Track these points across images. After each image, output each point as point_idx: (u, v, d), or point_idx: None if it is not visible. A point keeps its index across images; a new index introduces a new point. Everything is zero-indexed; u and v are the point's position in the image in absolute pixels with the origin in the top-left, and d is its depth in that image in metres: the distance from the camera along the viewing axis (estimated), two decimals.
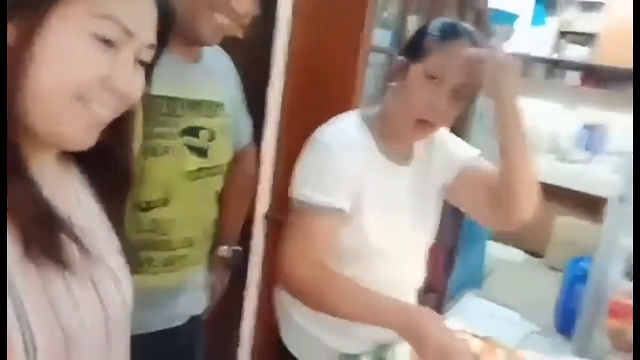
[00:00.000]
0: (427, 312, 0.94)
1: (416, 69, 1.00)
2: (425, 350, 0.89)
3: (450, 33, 1.00)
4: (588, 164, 4.05)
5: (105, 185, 0.65)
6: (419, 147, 1.12)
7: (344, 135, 1.03)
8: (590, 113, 4.21)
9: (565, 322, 2.46)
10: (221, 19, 0.96)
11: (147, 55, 0.58)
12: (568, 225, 3.90)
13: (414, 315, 0.92)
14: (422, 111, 1.00)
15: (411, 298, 1.18)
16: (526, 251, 4.20)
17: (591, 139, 4.20)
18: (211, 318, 1.30)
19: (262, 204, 1.60)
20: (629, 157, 3.62)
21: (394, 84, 1.05)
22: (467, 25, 1.04)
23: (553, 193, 3.77)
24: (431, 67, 0.98)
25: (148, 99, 0.69)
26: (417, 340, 0.90)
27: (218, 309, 1.34)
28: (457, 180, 1.13)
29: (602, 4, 3.96)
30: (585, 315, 2.03)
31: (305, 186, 0.99)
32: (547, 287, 3.28)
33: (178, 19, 0.64)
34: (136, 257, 0.89)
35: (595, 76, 4.11)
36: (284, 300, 1.15)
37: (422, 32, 1.03)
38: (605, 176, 3.78)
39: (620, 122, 3.96)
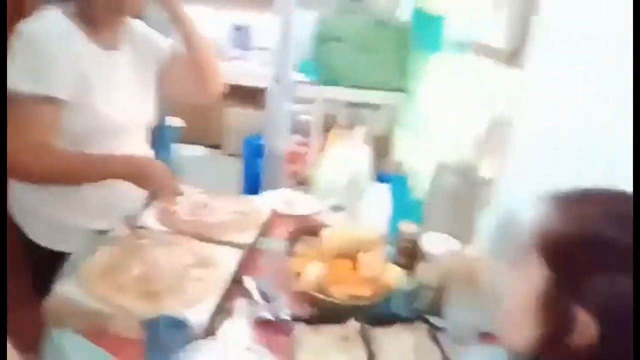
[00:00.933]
0: (149, 158, 1.23)
1: None
2: (150, 186, 1.18)
3: None
4: (241, 60, 4.67)
5: None
6: (123, 35, 1.26)
7: (51, 26, 1.09)
8: (236, 15, 4.76)
9: (252, 186, 3.04)
10: None
11: None
12: (236, 115, 4.51)
13: (138, 161, 1.18)
14: (120, 4, 1.15)
15: None
16: (206, 146, 4.71)
17: (239, 38, 4.81)
18: None
19: None
20: (272, 51, 4.31)
21: None
22: None
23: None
24: None
25: None
26: (144, 180, 1.16)
27: None
28: (166, 65, 1.36)
29: None
30: (267, 176, 2.59)
31: (20, 78, 1.04)
32: (229, 169, 3.85)
33: None
34: None
35: None
36: (22, 199, 1.19)
37: None
38: (256, 69, 4.51)
39: (261, 21, 4.65)
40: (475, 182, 1.27)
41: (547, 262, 0.50)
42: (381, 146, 2.15)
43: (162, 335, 0.84)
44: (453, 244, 1.18)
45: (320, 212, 1.51)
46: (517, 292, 0.55)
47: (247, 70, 4.50)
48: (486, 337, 1.02)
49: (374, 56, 2.12)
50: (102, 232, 1.20)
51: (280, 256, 1.26)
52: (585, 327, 0.47)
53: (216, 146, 4.61)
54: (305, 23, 2.57)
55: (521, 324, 0.54)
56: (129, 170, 1.15)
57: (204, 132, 4.43)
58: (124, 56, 1.24)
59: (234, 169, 3.84)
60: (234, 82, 4.33)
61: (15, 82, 1.04)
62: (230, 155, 4.49)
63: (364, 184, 1.92)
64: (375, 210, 1.30)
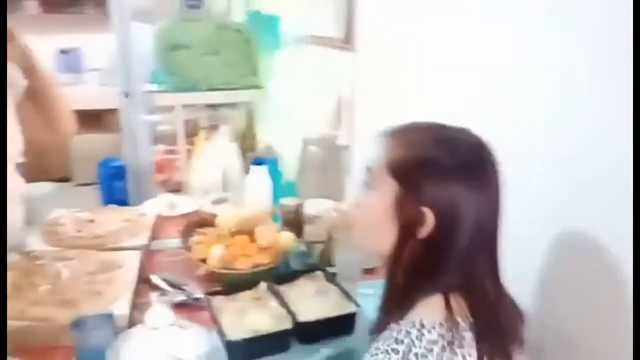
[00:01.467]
0: None
1: None
2: None
3: None
4: (77, 85, 4.42)
5: None
6: None
7: None
8: (61, 38, 4.47)
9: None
10: None
11: None
12: (82, 142, 4.26)
13: None
14: None
15: None
16: (54, 180, 4.37)
17: (69, 62, 4.54)
18: None
19: None
20: (107, 70, 4.13)
21: None
22: None
23: None
24: None
25: None
26: None
27: None
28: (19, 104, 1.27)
29: None
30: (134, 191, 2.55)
31: None
32: (84, 199, 3.65)
33: None
34: None
35: (53, 2, 4.33)
36: None
37: None
38: (95, 90, 4.30)
39: (90, 41, 4.44)
40: (336, 149, 1.48)
41: (395, 178, 0.68)
42: (245, 140, 2.29)
43: (90, 333, 0.88)
44: (329, 204, 1.37)
45: (203, 207, 1.60)
46: (375, 208, 0.71)
47: (84, 94, 4.28)
48: (369, 272, 1.23)
49: (222, 58, 2.24)
50: None
51: (177, 251, 1.34)
52: (428, 219, 0.67)
53: (65, 179, 4.31)
54: (141, 36, 2.59)
55: (383, 231, 0.70)
56: None
57: (48, 167, 4.10)
58: None
59: (90, 197, 3.66)
60: (75, 107, 4.12)
61: None
62: (81, 185, 4.24)
63: (237, 176, 2.04)
64: (257, 192, 1.43)
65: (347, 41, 1.79)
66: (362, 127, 1.58)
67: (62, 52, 4.43)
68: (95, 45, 4.55)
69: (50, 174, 4.34)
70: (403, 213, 0.68)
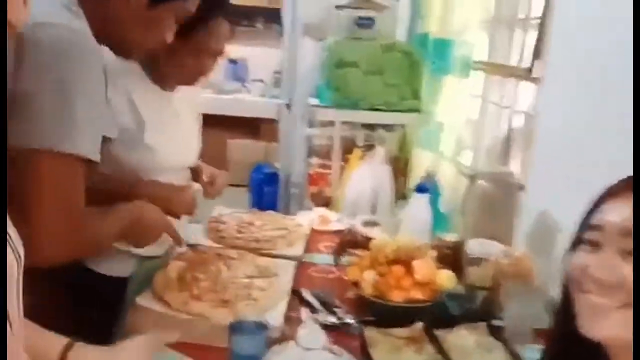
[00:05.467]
0: (142, 203, 1.05)
1: (182, 42, 1.06)
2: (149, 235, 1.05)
3: (214, 8, 1.10)
4: (241, 93, 4.77)
5: None
6: None
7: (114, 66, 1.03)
8: (231, 48, 4.88)
9: None
10: None
11: None
12: (240, 147, 4.58)
13: (134, 211, 1.01)
14: (193, 75, 1.17)
15: None
16: None
17: (236, 71, 4.93)
18: None
19: None
20: (270, 82, 4.41)
21: None
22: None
23: (219, 122, 4.35)
24: (200, 45, 1.11)
25: None
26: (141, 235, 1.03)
27: None
28: None
29: None
30: (283, 199, 2.64)
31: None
32: (235, 199, 3.88)
33: None
34: None
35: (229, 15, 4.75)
36: None
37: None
38: (256, 100, 4.61)
39: (257, 54, 4.78)
40: (510, 188, 1.33)
41: None
42: (398, 164, 2.22)
43: (245, 339, 0.87)
44: (497, 247, 1.24)
45: (355, 227, 1.56)
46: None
47: (247, 102, 4.61)
48: (541, 334, 1.07)
49: (385, 78, 2.21)
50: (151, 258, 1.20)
51: (327, 268, 1.31)
52: None
53: None
54: (309, 51, 2.68)
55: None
56: (129, 223, 0.99)
57: (209, 163, 4.48)
58: (182, 97, 1.25)
59: (240, 199, 3.88)
60: (234, 114, 4.46)
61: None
62: (233, 185, 4.54)
63: (387, 199, 1.98)
64: (416, 220, 1.35)
65: (531, 71, 1.63)
66: (538, 166, 1.41)
67: (231, 61, 4.84)
68: (261, 57, 4.91)
69: None
70: None
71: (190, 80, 1.20)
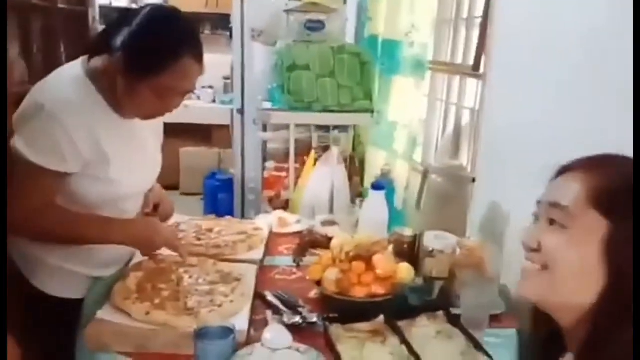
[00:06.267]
0: (154, 224, 1.16)
1: (144, 83, 1.01)
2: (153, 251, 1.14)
3: (175, 50, 1.01)
4: (190, 100, 4.69)
5: None
6: None
7: (69, 97, 1.03)
8: None
9: None
10: None
11: None
12: (193, 155, 4.50)
13: (140, 227, 1.14)
14: (156, 114, 1.11)
15: None
16: (163, 187, 4.64)
17: None
18: None
19: None
20: (220, 88, 4.36)
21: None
22: (195, 35, 1.09)
23: (171, 131, 4.26)
24: (163, 86, 1.02)
25: None
26: (146, 248, 1.14)
27: None
28: None
29: None
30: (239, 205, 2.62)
31: (31, 147, 0.99)
32: (189, 207, 3.81)
33: None
34: None
35: None
36: (27, 251, 1.14)
37: (145, 44, 1.02)
38: (207, 106, 4.56)
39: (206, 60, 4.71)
40: (462, 181, 1.39)
41: (604, 214, 0.56)
42: (352, 164, 2.26)
43: (212, 345, 0.87)
44: (452, 239, 1.28)
45: (314, 227, 1.57)
46: (576, 250, 0.57)
47: (197, 110, 4.54)
48: (496, 319, 1.12)
49: (337, 80, 2.25)
50: (98, 279, 1.18)
51: (289, 270, 1.31)
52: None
53: (173, 187, 4.56)
54: (258, 56, 2.68)
55: (589, 279, 0.57)
56: (134, 238, 1.12)
57: (162, 174, 4.37)
58: (136, 126, 1.17)
59: (195, 206, 3.82)
60: (185, 121, 4.38)
61: (26, 151, 1.00)
62: (184, 194, 4.46)
63: (344, 199, 2.01)
64: (374, 217, 1.38)
65: (475, 68, 1.71)
66: (487, 159, 1.47)
67: None
68: (210, 64, 4.81)
69: (159, 180, 4.65)
70: (619, 255, 0.56)
71: (155, 117, 1.14)
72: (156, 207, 1.28)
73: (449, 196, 1.39)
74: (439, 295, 1.19)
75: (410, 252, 1.34)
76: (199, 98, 4.66)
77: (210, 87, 4.72)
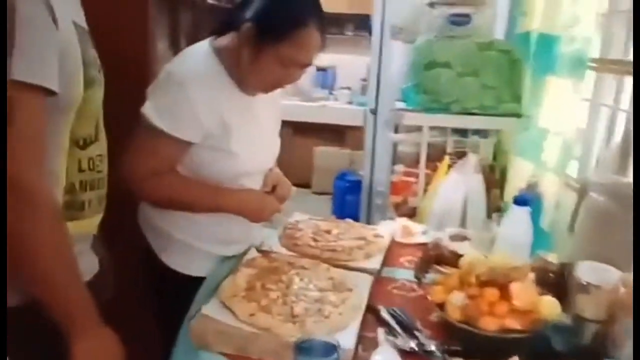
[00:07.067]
0: (262, 195, 1.24)
1: (269, 51, 1.07)
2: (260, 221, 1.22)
3: (303, 18, 1.07)
4: (328, 101, 4.74)
5: None
6: None
7: (198, 70, 1.10)
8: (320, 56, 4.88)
9: None
10: None
11: None
12: (323, 154, 4.55)
13: (250, 196, 1.21)
14: (276, 85, 1.16)
15: None
16: (295, 185, 4.77)
17: (325, 79, 4.92)
18: None
19: None
20: (357, 89, 4.35)
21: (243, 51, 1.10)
22: (320, 7, 1.13)
23: (306, 129, 4.35)
24: (286, 55, 1.07)
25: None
26: (255, 217, 1.20)
27: None
28: None
29: None
30: (368, 210, 2.53)
31: (158, 112, 1.07)
32: (319, 207, 3.83)
33: None
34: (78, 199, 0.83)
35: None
36: (151, 218, 1.21)
37: (280, 11, 1.07)
38: (343, 107, 4.56)
39: (345, 61, 4.73)
40: (627, 201, 1.12)
41: None
42: (492, 174, 2.03)
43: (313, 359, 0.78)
44: (613, 273, 1.04)
45: (442, 241, 1.42)
46: None
47: (333, 110, 4.57)
48: None
49: (481, 80, 2.03)
50: (228, 257, 1.20)
51: (408, 285, 1.18)
52: None
53: (305, 185, 4.65)
54: (397, 54, 2.56)
55: None
56: (244, 207, 1.18)
57: (292, 171, 4.48)
58: (262, 100, 1.23)
59: (324, 206, 3.83)
60: (321, 121, 4.44)
61: (154, 116, 1.07)
62: (316, 193, 4.51)
63: (479, 213, 1.81)
64: (514, 237, 1.19)
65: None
66: None
67: (319, 69, 4.84)
68: (349, 65, 4.85)
69: (291, 178, 4.79)
70: None
71: (275, 88, 1.19)
72: (274, 188, 1.30)
73: (612, 220, 1.13)
74: (591, 341, 0.97)
75: (557, 283, 1.12)
76: (336, 99, 4.69)
77: (348, 88, 4.73)
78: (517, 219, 1.18)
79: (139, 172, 1.09)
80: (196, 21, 1.81)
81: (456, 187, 1.76)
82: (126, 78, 1.41)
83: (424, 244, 1.38)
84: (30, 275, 0.76)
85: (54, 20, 0.74)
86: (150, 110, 1.08)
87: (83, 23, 0.87)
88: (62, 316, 0.77)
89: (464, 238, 1.42)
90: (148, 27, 1.52)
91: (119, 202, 1.06)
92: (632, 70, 1.60)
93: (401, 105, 2.20)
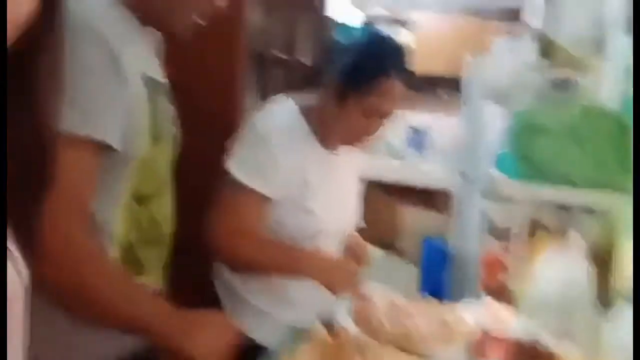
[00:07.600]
0: (344, 262, 1.22)
1: (354, 102, 1.11)
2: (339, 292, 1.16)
3: (385, 68, 1.12)
4: (419, 161, 4.63)
5: None
6: None
7: (282, 125, 1.13)
8: (411, 116, 4.83)
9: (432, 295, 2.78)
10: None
11: None
12: (411, 216, 4.38)
13: (333, 262, 1.18)
14: (359, 136, 1.17)
15: None
16: (378, 245, 4.62)
17: (417, 138, 4.83)
18: None
19: None
20: (450, 151, 4.20)
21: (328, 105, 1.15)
22: (404, 58, 1.18)
23: (393, 189, 4.24)
24: (371, 105, 1.11)
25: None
26: (333, 286, 1.15)
27: None
28: None
29: (408, 21, 4.61)
30: (453, 284, 2.33)
31: (243, 169, 1.09)
32: (404, 274, 3.62)
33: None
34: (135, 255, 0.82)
35: (413, 83, 4.74)
36: (228, 280, 1.21)
37: (364, 62, 1.12)
38: (433, 168, 4.41)
39: (437, 122, 4.64)
40: None
41: None
42: (601, 260, 1.77)
43: None
44: None
45: (540, 339, 1.22)
46: None
47: (423, 171, 4.44)
48: None
49: (587, 150, 1.83)
50: (297, 328, 1.13)
51: None
52: None
53: (388, 246, 4.48)
54: (493, 118, 2.42)
55: None
56: (323, 274, 1.14)
57: (376, 230, 4.34)
58: (344, 159, 1.25)
59: (410, 274, 3.61)
60: (409, 182, 4.31)
61: (238, 171, 1.08)
62: (404, 258, 4.31)
63: (585, 307, 1.56)
64: (625, 343, 0.98)
65: None
66: None
67: (412, 128, 4.76)
68: (442, 126, 4.74)
69: (375, 237, 4.63)
70: None
71: (355, 140, 1.19)
72: (353, 254, 1.30)
73: None
74: None
75: None
76: (426, 159, 4.57)
77: (440, 149, 4.59)
78: (632, 319, 0.97)
79: (221, 230, 1.10)
80: (287, 78, 1.85)
81: (556, 270, 1.54)
82: (211, 133, 1.44)
83: (517, 340, 1.20)
84: (117, 324, 0.77)
85: (119, 72, 0.73)
86: (231, 163, 1.10)
87: (158, 76, 0.87)
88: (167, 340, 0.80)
89: (565, 335, 1.21)
90: (237, 83, 1.57)
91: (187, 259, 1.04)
92: None
93: (496, 172, 2.04)
